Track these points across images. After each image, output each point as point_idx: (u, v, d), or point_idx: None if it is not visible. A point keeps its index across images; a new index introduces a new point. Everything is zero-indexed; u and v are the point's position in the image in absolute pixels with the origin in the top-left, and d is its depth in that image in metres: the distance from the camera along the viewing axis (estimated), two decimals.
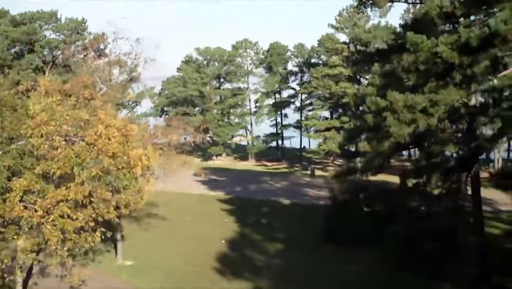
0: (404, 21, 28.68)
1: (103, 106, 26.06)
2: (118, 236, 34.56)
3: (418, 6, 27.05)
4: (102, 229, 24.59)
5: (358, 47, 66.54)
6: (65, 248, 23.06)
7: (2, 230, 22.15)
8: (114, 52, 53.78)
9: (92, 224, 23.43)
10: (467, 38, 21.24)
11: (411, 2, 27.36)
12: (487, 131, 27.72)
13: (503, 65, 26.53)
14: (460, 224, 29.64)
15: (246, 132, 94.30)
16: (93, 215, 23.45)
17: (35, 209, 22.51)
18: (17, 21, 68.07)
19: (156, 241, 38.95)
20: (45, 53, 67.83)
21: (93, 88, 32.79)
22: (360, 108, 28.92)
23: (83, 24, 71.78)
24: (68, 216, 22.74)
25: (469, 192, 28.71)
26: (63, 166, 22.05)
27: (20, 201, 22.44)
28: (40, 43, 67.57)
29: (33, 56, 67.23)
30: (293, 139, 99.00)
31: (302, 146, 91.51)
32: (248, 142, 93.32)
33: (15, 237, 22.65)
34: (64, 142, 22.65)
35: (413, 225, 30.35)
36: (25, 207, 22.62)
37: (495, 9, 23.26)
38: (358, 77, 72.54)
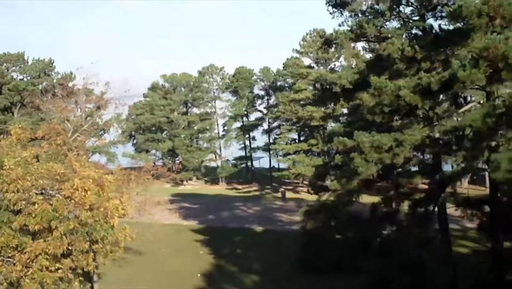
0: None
1: (77, 157, 26.40)
2: (95, 277, 34.57)
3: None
4: (81, 278, 24.95)
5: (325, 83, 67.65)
6: None
7: None
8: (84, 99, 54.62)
9: (71, 275, 23.71)
10: (428, 83, 22.23)
11: (373, 41, 28.22)
12: (451, 165, 28.78)
13: (464, 98, 27.76)
14: (430, 255, 30.36)
15: (216, 156, 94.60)
16: (72, 266, 23.74)
17: (13, 264, 22.70)
18: None
19: (133, 279, 38.89)
20: (12, 94, 67.50)
21: (65, 135, 33.14)
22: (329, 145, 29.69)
23: (51, 65, 72.03)
24: (47, 268, 23.01)
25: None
26: (41, 220, 22.30)
27: None
28: (8, 86, 67.31)
29: (1, 98, 66.99)
30: (262, 160, 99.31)
31: (272, 166, 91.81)
32: (218, 166, 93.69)
33: None
34: (41, 197, 22.90)
35: (385, 254, 31.01)
36: (3, 261, 22.80)
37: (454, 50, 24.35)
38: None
